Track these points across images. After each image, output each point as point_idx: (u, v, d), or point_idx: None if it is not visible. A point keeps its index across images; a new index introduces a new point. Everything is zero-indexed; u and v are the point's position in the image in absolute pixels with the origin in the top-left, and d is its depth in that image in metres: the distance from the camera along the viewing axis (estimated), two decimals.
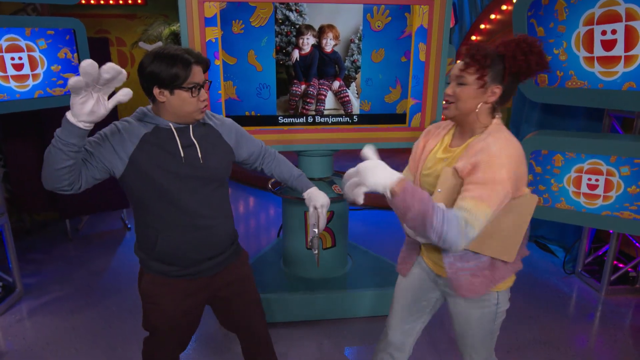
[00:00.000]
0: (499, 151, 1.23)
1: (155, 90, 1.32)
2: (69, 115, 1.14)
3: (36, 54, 2.55)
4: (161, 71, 1.28)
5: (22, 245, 3.59)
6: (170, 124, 1.38)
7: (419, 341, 2.42)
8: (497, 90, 1.28)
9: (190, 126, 1.41)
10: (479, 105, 1.30)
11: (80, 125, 1.15)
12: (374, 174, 1.17)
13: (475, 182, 1.21)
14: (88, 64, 1.05)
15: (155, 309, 1.51)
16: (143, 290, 1.51)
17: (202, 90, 1.36)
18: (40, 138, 3.67)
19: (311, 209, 1.56)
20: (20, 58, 2.49)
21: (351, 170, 1.23)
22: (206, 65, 1.38)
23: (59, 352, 2.35)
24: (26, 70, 2.51)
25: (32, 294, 2.92)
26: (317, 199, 1.57)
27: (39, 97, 2.59)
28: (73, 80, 1.06)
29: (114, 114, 3.73)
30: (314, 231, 1.53)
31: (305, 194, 1.61)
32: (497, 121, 1.34)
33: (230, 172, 1.55)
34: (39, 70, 2.57)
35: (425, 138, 1.51)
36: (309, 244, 1.60)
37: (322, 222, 1.54)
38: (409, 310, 1.60)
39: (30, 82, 2.54)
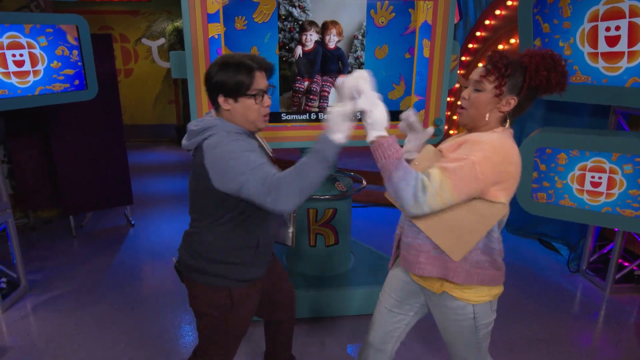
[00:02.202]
0: (487, 142, 1.22)
1: (220, 99, 1.34)
2: (338, 137, 1.20)
3: (37, 51, 2.56)
4: (226, 79, 1.30)
5: (27, 242, 3.61)
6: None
7: (419, 341, 2.42)
8: (512, 101, 1.26)
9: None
10: (488, 114, 1.29)
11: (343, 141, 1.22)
12: (376, 109, 1.19)
13: (449, 158, 1.23)
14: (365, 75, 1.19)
15: (238, 318, 1.50)
16: (235, 305, 1.46)
17: (266, 97, 1.37)
18: (44, 135, 3.68)
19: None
20: (21, 55, 2.50)
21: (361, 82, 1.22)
22: (270, 71, 1.40)
23: (63, 347, 2.37)
24: (27, 66, 2.53)
25: (37, 290, 2.94)
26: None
27: (40, 93, 2.60)
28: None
29: (117, 112, 3.74)
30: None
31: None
32: (502, 129, 1.32)
33: None
34: (40, 67, 2.58)
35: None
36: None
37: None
38: (390, 312, 1.57)
39: (31, 78, 2.56)
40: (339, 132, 1.20)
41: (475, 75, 1.29)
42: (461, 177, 1.18)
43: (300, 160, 1.24)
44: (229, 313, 1.47)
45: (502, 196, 1.25)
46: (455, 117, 4.77)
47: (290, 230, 1.61)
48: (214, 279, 1.44)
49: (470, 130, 1.37)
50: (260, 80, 1.34)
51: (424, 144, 1.48)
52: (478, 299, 1.36)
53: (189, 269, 1.48)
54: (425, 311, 1.58)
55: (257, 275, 1.50)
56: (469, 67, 4.47)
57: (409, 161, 1.39)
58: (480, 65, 1.31)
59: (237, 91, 1.32)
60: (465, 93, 1.32)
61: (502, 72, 1.22)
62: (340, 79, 1.30)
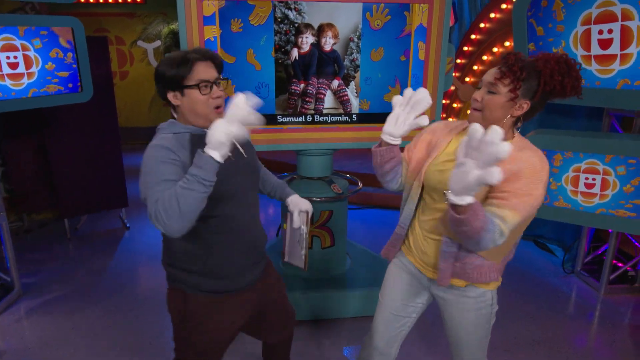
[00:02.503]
0: (542, 167, 1.23)
1: (169, 95, 1.30)
2: (212, 152, 1.12)
3: (31, 53, 2.55)
4: (165, 71, 1.26)
5: (21, 245, 3.58)
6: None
7: (417, 340, 2.42)
8: (525, 105, 1.25)
9: None
10: (505, 119, 1.28)
11: (220, 159, 1.14)
12: (467, 177, 1.02)
13: (513, 191, 1.20)
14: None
15: (200, 331, 1.42)
16: (188, 313, 1.41)
17: (215, 88, 1.30)
18: (40, 137, 3.66)
19: (296, 213, 1.56)
20: (15, 57, 2.50)
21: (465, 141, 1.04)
22: (216, 62, 1.32)
23: (58, 352, 2.35)
24: (21, 69, 2.52)
25: (31, 293, 2.92)
26: (302, 203, 1.58)
27: (34, 95, 2.59)
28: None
29: (113, 114, 3.73)
30: (303, 229, 1.54)
31: (289, 200, 1.60)
32: (519, 136, 1.32)
33: None
34: (34, 69, 2.57)
35: (432, 134, 1.48)
36: (286, 257, 1.63)
37: (307, 225, 1.57)
38: (395, 317, 1.59)
39: (26, 81, 2.55)
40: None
41: (489, 77, 1.27)
42: (526, 212, 1.21)
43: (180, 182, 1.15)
44: (184, 320, 1.42)
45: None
46: (451, 119, 4.79)
47: (303, 252, 1.55)
48: (174, 283, 1.43)
49: None
50: (203, 70, 1.27)
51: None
52: (492, 285, 1.43)
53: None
54: (424, 309, 1.61)
55: (218, 288, 1.39)
56: (464, 69, 4.50)
57: (388, 145, 1.41)
58: (493, 69, 1.28)
59: (178, 82, 1.26)
60: (477, 95, 1.29)
61: (518, 75, 1.20)
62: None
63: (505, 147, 0.94)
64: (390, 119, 1.36)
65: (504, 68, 1.23)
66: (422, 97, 1.31)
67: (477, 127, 0.99)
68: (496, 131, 0.95)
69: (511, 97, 1.23)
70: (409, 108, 1.34)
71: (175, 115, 1.37)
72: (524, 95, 1.24)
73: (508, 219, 1.18)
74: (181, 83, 1.27)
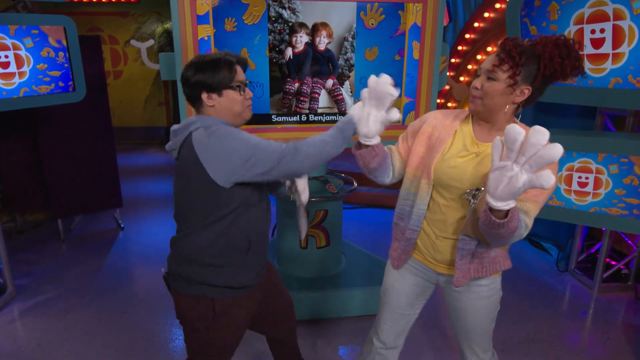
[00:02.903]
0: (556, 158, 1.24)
1: (204, 95, 1.35)
2: (364, 131, 1.36)
3: (22, 53, 2.53)
4: (208, 77, 1.33)
5: (14, 246, 3.55)
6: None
7: (415, 340, 2.42)
8: (527, 90, 1.23)
9: None
10: (507, 106, 1.26)
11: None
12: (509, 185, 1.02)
13: (531, 191, 1.21)
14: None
15: (222, 331, 1.45)
16: (216, 317, 1.41)
17: (247, 89, 1.41)
18: (33, 137, 3.63)
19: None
20: (6, 56, 2.47)
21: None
22: (244, 65, 1.43)
23: (51, 353, 2.33)
24: (12, 68, 2.50)
25: (24, 294, 2.89)
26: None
27: (25, 94, 2.57)
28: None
29: (107, 114, 3.70)
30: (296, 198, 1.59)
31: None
32: (520, 123, 1.30)
33: None
34: (25, 69, 2.55)
35: (431, 127, 1.42)
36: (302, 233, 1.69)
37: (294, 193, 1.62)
38: (401, 315, 1.59)
39: (17, 80, 2.53)
40: (367, 128, 1.33)
41: (487, 64, 1.25)
42: (545, 199, 1.24)
43: (322, 134, 1.37)
44: (211, 325, 1.42)
45: None
46: (450, 105, 4.81)
47: (301, 222, 1.66)
48: (196, 288, 1.40)
49: (484, 119, 1.32)
50: (240, 73, 1.39)
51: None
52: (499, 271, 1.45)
53: (174, 276, 1.44)
54: (429, 296, 1.62)
55: (246, 282, 1.43)
56: (459, 69, 4.51)
57: (367, 146, 1.38)
58: (491, 55, 1.26)
59: (221, 85, 1.34)
60: (477, 82, 1.27)
61: (516, 60, 1.18)
62: (383, 80, 1.30)
63: (559, 149, 0.93)
64: (361, 119, 1.34)
65: (502, 54, 1.21)
66: (383, 93, 1.29)
67: (517, 130, 0.95)
68: (543, 132, 0.93)
69: (511, 83, 1.22)
70: (376, 102, 1.32)
71: (198, 114, 1.42)
72: (524, 81, 1.22)
73: (531, 211, 1.20)
74: (227, 85, 1.35)
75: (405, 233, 1.46)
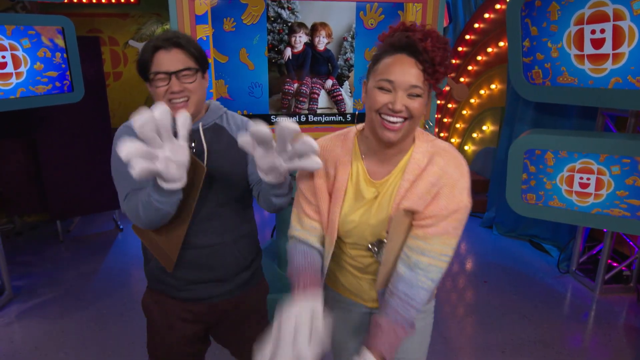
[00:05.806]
0: (459, 172, 1.04)
1: (147, 85, 1.17)
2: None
3: (19, 53, 2.52)
4: (138, 60, 1.14)
5: (12, 247, 3.54)
6: None
7: None
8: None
9: (200, 127, 1.21)
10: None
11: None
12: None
13: (436, 215, 1.02)
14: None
15: (150, 329, 1.43)
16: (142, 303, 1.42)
17: (174, 80, 1.10)
18: (30, 138, 3.62)
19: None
20: (3, 57, 2.47)
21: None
22: (186, 48, 1.12)
23: (48, 355, 2.31)
24: (9, 69, 2.49)
25: (22, 296, 2.87)
26: None
27: (22, 95, 2.56)
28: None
29: (106, 115, 3.69)
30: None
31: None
32: (422, 133, 1.12)
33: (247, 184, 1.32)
34: (22, 69, 2.55)
35: (332, 166, 1.12)
36: None
37: None
38: (355, 349, 1.24)
39: (14, 81, 2.52)
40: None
41: (411, 79, 1.01)
42: (462, 228, 1.05)
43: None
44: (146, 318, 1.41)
45: None
46: (445, 120, 4.79)
47: None
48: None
49: (392, 146, 1.07)
50: (164, 61, 1.09)
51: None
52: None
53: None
54: None
55: (161, 288, 1.38)
56: (459, 69, 4.50)
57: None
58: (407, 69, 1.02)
59: (143, 76, 1.14)
60: (397, 104, 1.01)
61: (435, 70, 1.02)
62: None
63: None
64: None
65: (425, 66, 1.01)
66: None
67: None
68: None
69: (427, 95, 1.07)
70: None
71: None
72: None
73: (438, 248, 1.02)
74: (146, 77, 1.13)
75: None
